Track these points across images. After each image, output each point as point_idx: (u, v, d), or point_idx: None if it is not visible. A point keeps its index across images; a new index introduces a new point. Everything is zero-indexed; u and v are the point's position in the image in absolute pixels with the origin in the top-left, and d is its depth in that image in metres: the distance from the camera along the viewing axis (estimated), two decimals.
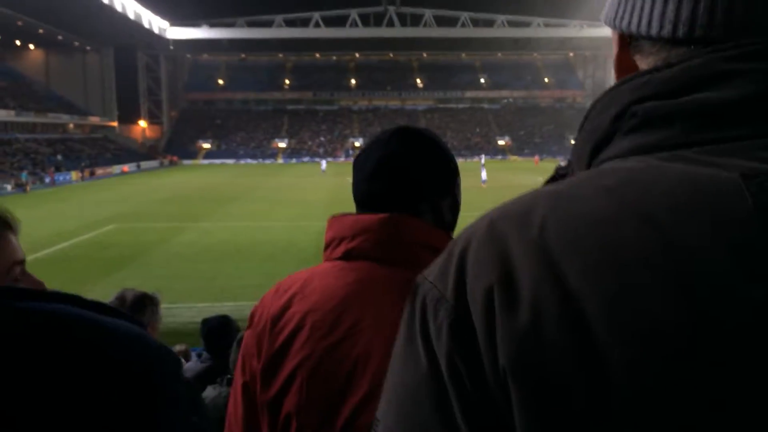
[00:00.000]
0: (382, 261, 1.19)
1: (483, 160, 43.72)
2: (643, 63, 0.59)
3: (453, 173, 1.32)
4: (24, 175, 42.04)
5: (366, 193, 1.28)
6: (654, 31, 0.55)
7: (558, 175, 0.63)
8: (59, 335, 0.44)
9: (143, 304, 2.66)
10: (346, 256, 1.21)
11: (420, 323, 0.54)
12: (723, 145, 0.49)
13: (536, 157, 67.09)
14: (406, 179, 1.26)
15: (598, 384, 0.44)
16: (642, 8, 0.57)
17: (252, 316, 1.28)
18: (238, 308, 11.19)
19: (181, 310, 10.18)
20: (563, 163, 0.64)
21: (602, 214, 0.48)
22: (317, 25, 78.27)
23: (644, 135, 0.52)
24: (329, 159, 66.01)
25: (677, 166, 0.48)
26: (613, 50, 0.63)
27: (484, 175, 36.75)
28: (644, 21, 0.56)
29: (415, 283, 0.58)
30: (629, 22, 0.58)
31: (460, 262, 0.53)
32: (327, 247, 1.27)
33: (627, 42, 0.61)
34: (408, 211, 1.23)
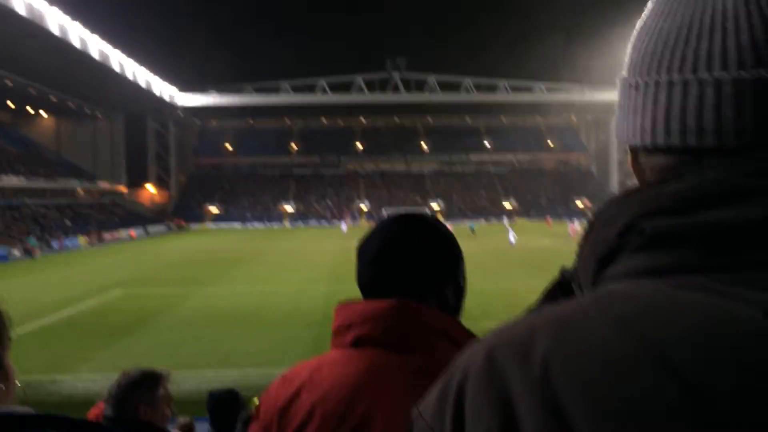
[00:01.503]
0: (392, 347, 1.17)
1: (507, 223, 43.94)
2: (656, 171, 0.57)
3: (456, 258, 1.31)
4: (32, 241, 42.26)
5: (370, 279, 1.27)
6: (660, 141, 0.53)
7: (563, 280, 0.59)
8: None
9: (150, 383, 2.59)
10: (356, 343, 1.20)
11: None
12: (743, 273, 0.45)
13: (548, 219, 67.41)
14: (410, 265, 1.25)
15: None
16: (643, 118, 0.55)
17: (258, 407, 1.25)
18: (243, 375, 11.01)
19: (186, 378, 10.00)
20: (568, 267, 0.60)
21: (615, 354, 0.43)
22: (323, 91, 79.99)
23: (654, 255, 0.49)
24: (336, 222, 66.15)
25: (693, 296, 0.45)
26: (628, 160, 0.61)
27: (512, 237, 37.08)
28: (647, 133, 0.54)
29: (410, 419, 0.54)
30: (634, 135, 0.56)
31: (457, 401, 0.49)
32: (335, 334, 1.25)
33: (636, 153, 0.59)
34: (413, 296, 1.21)
